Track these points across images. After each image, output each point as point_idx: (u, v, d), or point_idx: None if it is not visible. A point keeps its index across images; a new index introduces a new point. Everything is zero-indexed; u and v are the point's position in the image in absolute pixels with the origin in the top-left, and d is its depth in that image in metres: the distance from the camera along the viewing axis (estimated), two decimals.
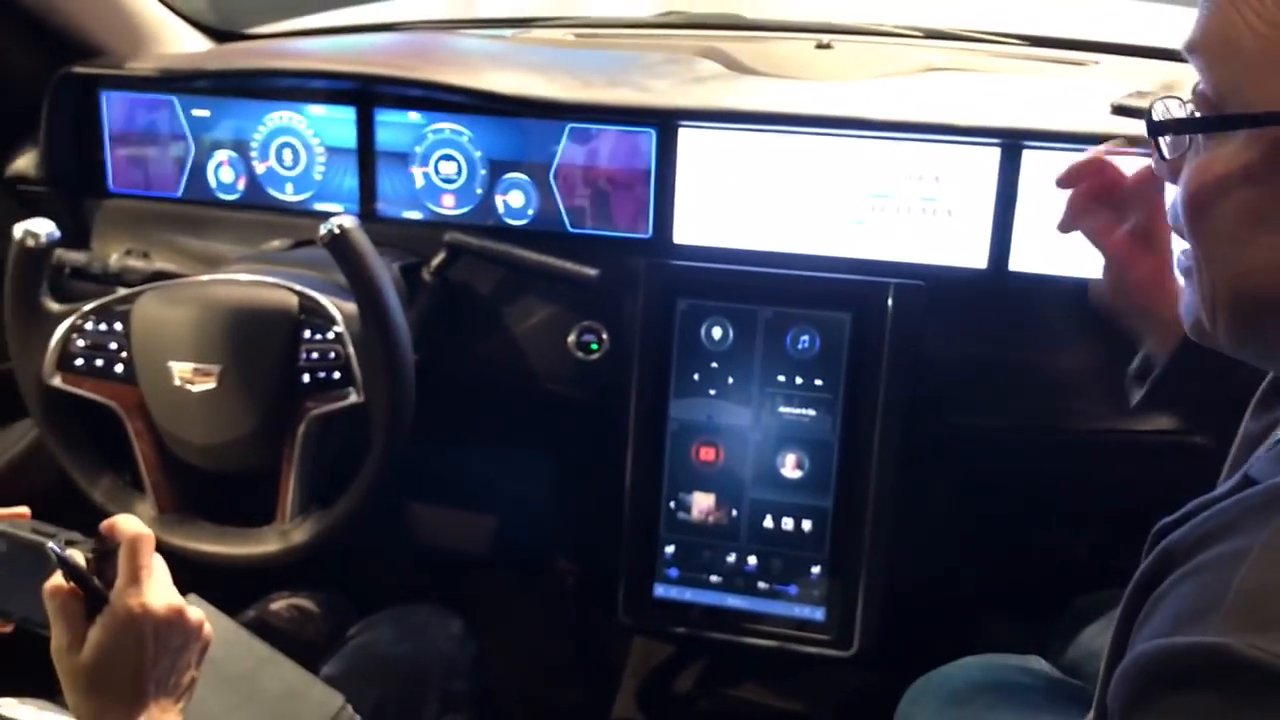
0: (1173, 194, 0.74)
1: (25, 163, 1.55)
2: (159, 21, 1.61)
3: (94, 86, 1.55)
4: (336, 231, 1.18)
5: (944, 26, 1.76)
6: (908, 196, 1.37)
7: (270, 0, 2.05)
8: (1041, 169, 1.32)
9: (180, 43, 1.65)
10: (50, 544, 0.87)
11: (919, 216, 1.37)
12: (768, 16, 1.85)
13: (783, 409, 1.38)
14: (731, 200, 1.41)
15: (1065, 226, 1.14)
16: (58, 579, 0.86)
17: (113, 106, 1.56)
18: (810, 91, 1.42)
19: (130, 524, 0.88)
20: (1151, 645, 0.58)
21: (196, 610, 0.90)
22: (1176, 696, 0.56)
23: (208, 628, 0.92)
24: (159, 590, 0.87)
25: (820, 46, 1.65)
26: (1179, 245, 0.77)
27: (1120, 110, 1.32)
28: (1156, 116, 0.73)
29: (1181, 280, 0.78)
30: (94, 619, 0.85)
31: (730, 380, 1.39)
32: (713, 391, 1.39)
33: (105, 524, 0.89)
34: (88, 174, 1.57)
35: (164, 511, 1.32)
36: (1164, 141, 0.73)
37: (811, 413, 1.38)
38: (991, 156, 1.33)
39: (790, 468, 1.39)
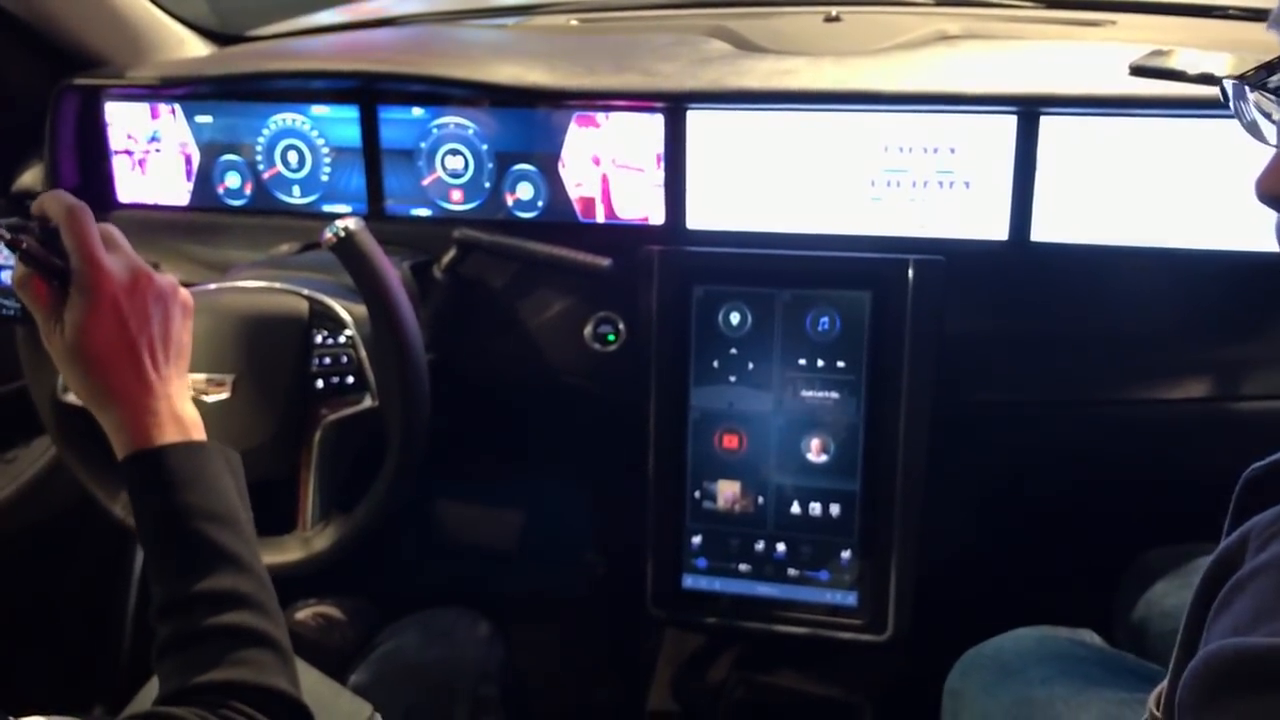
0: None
1: (31, 177, 1.54)
2: (159, 28, 1.60)
3: (96, 97, 1.53)
4: (341, 235, 1.16)
5: None
6: (924, 170, 1.33)
7: (271, 1, 2.03)
8: (1060, 135, 1.28)
9: (181, 48, 1.63)
10: None
11: (936, 190, 1.33)
12: None
13: (805, 392, 1.36)
14: (744, 182, 1.38)
15: None
16: (22, 269, 0.85)
17: (116, 117, 1.55)
18: (820, 67, 1.39)
19: (60, 198, 0.86)
20: (1226, 645, 0.55)
21: (167, 275, 0.90)
22: (1250, 701, 0.53)
23: (184, 291, 0.92)
24: (117, 256, 0.87)
25: (829, 19, 1.61)
26: None
27: (1139, 71, 1.28)
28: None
29: None
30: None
31: (750, 365, 1.36)
32: (733, 378, 1.37)
33: (34, 205, 0.87)
34: (94, 186, 1.56)
35: None
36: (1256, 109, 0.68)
37: (835, 395, 1.35)
38: (1008, 125, 1.30)
39: (815, 452, 1.36)
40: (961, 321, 1.32)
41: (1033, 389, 1.33)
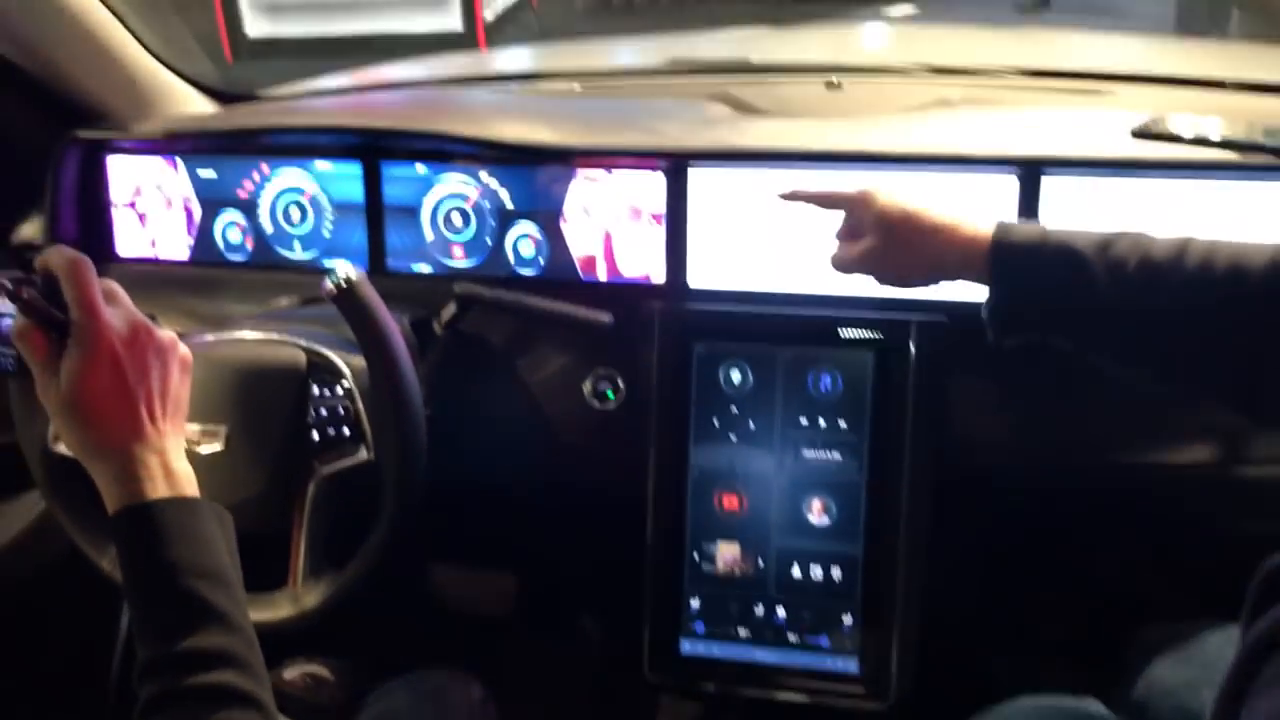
0: None
1: (31, 229, 1.54)
2: (165, 85, 1.61)
3: (99, 151, 1.54)
4: (343, 284, 1.16)
5: (954, 63, 1.75)
6: None
7: (278, 67, 2.05)
8: (1062, 196, 1.29)
9: (187, 106, 1.64)
10: None
11: None
12: (775, 59, 1.84)
13: (807, 453, 1.34)
14: (745, 241, 1.38)
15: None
16: (22, 320, 0.85)
17: (118, 170, 1.55)
18: (822, 128, 1.40)
19: (63, 251, 0.86)
20: None
21: (167, 330, 0.90)
22: None
23: (183, 347, 0.91)
24: (117, 310, 0.86)
25: (830, 86, 1.63)
26: None
27: (1141, 134, 1.29)
28: None
29: None
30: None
31: (751, 425, 1.35)
32: (733, 437, 1.36)
33: (38, 260, 0.87)
34: (93, 240, 1.55)
35: None
36: None
37: (837, 456, 1.33)
38: (1010, 185, 1.30)
39: (817, 514, 1.34)
40: (964, 382, 1.31)
41: (1036, 451, 1.32)
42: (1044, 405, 1.31)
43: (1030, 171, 1.29)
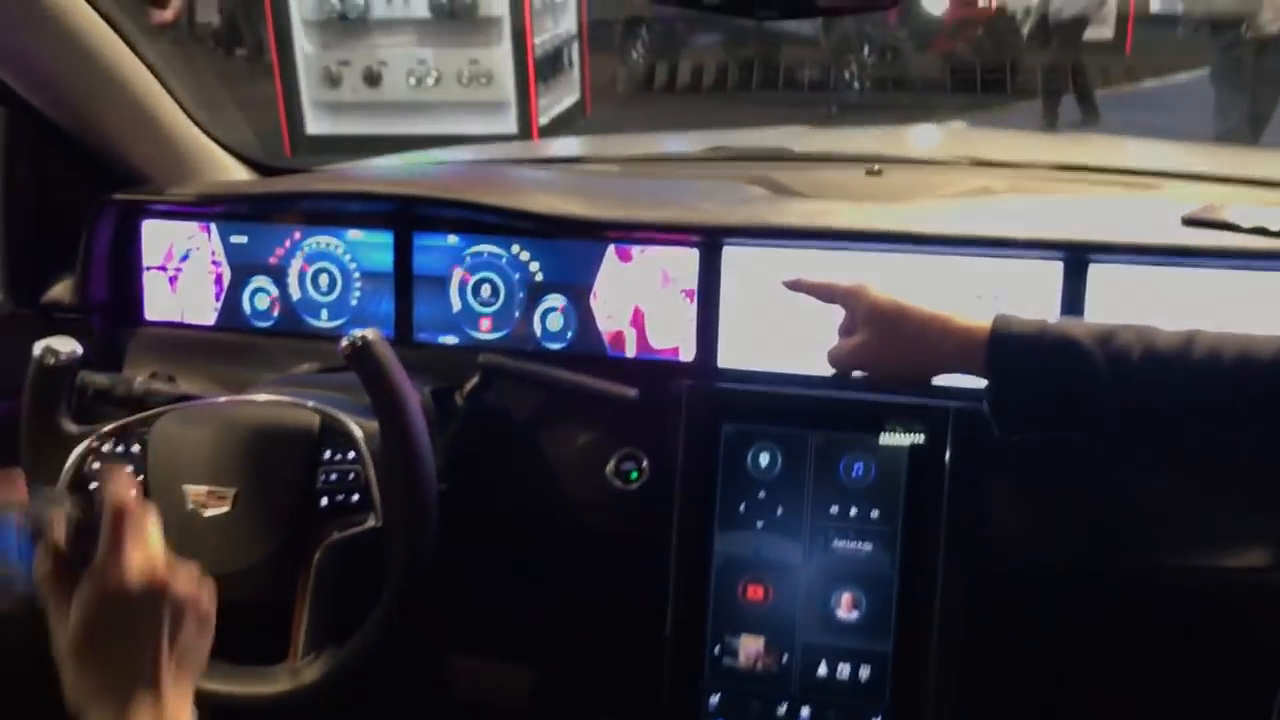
0: None
1: (61, 289, 1.53)
2: (205, 153, 1.61)
3: (134, 214, 1.54)
4: (358, 344, 1.13)
5: (999, 156, 1.72)
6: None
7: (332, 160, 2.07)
8: (1108, 284, 1.24)
9: (225, 174, 1.64)
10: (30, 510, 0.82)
11: None
12: (816, 149, 1.83)
13: (837, 543, 1.28)
14: (779, 322, 1.34)
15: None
16: (43, 552, 0.83)
17: (151, 234, 1.55)
18: (861, 210, 1.37)
19: (119, 489, 0.84)
20: None
21: (189, 576, 0.87)
22: None
23: (206, 600, 0.88)
24: (142, 563, 0.83)
25: (870, 173, 1.61)
26: None
27: (1192, 222, 1.25)
28: None
29: None
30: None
31: (779, 511, 1.29)
32: (760, 524, 1.29)
33: (97, 485, 0.86)
34: (122, 302, 1.55)
35: None
36: None
37: (868, 547, 1.27)
38: (1054, 272, 1.26)
39: (846, 608, 1.27)
40: (1005, 473, 1.25)
41: (1078, 549, 1.25)
42: (1082, 499, 1.24)
43: (1076, 258, 1.25)
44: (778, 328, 1.34)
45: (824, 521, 1.28)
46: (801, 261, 1.32)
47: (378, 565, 1.19)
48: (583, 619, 1.60)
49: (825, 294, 1.21)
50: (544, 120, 8.04)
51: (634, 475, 1.36)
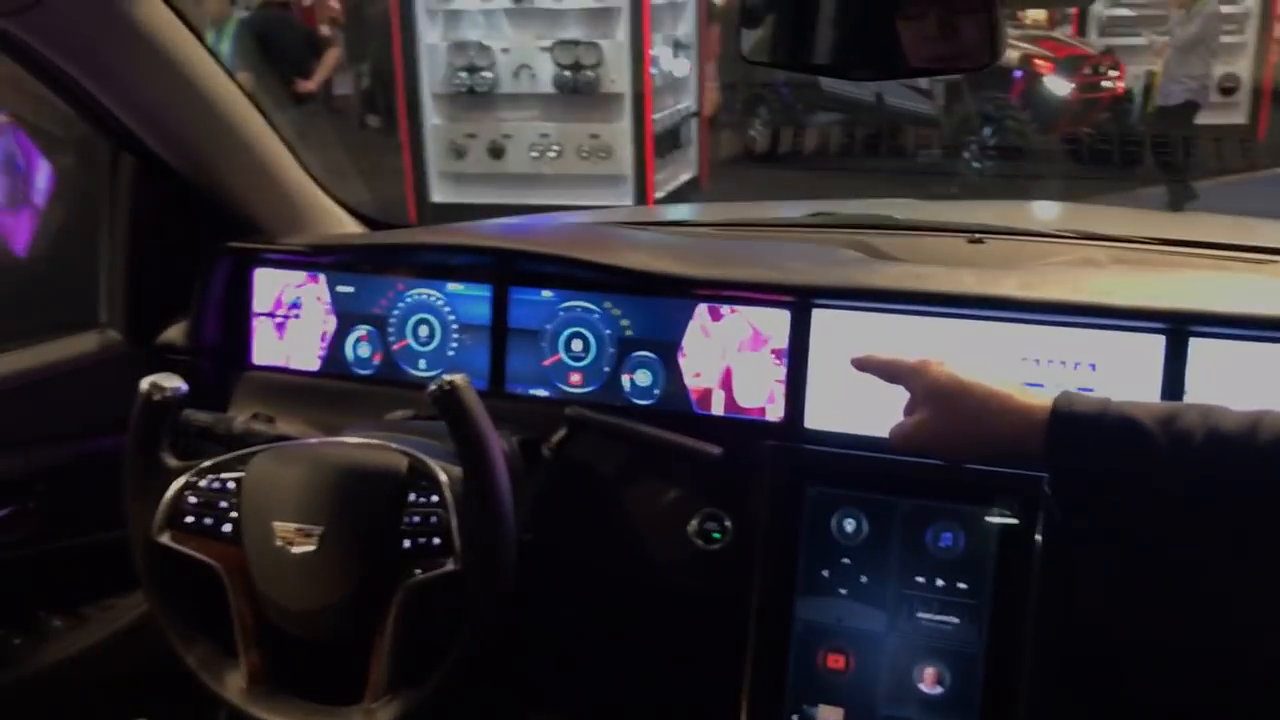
0: None
1: (175, 332, 1.60)
2: (320, 207, 1.68)
3: (248, 262, 1.61)
4: (445, 388, 1.15)
5: (1107, 230, 1.68)
6: (1063, 385, 1.24)
7: None
8: (1211, 359, 1.19)
9: (339, 228, 1.71)
10: None
11: None
12: (919, 217, 1.81)
13: (922, 614, 1.24)
14: (868, 385, 1.32)
15: None
16: None
17: (262, 282, 1.61)
18: (957, 275, 1.34)
19: None
20: None
21: None
22: None
23: None
24: None
25: (973, 241, 1.58)
26: None
27: None
28: None
29: None
30: None
31: (863, 578, 1.26)
32: (843, 591, 1.27)
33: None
34: (231, 345, 1.61)
35: (254, 683, 1.26)
36: None
37: (954, 620, 1.23)
38: (1155, 344, 1.22)
39: (929, 682, 1.23)
40: (1099, 547, 1.20)
41: (1176, 627, 1.18)
42: (1187, 574, 1.18)
43: (1178, 331, 1.21)
44: (866, 392, 1.32)
45: (909, 591, 1.25)
46: (893, 326, 1.30)
47: (457, 610, 1.19)
48: (659, 679, 1.58)
49: (888, 372, 1.20)
50: (659, 194, 8.14)
51: (716, 535, 1.34)
